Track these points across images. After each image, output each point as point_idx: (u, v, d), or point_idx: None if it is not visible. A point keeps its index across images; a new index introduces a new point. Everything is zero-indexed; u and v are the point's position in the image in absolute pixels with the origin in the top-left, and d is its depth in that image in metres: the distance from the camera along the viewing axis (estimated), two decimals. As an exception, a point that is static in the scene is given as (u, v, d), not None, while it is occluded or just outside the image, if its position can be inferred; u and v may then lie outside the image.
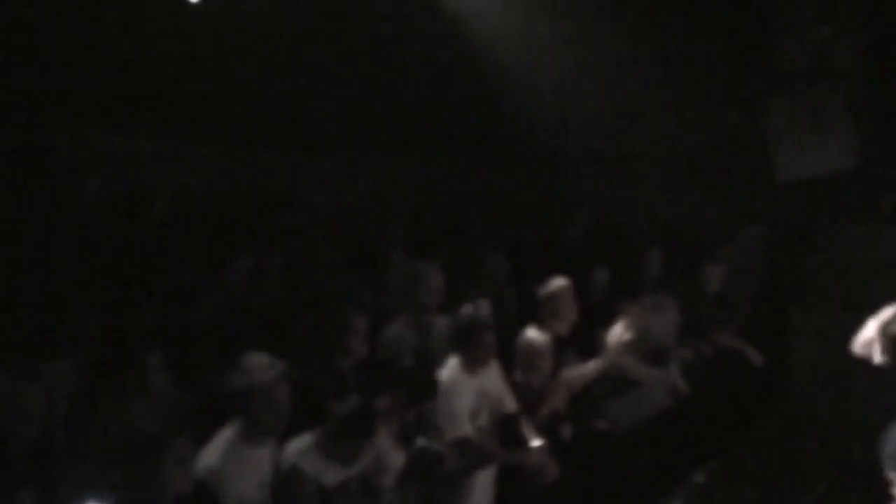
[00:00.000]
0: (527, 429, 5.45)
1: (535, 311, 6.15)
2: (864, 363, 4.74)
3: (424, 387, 4.94)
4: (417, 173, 10.39)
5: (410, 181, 10.33)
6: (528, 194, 10.11)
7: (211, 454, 4.01)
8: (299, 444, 4.32)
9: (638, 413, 6.45)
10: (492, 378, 5.40)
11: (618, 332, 6.26)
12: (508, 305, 6.91)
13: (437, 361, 5.43)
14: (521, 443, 5.40)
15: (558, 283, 6.18)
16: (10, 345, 5.10)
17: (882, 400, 7.03)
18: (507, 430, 5.47)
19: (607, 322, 6.41)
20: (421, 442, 4.95)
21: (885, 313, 4.23)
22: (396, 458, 4.82)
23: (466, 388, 5.17)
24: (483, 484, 5.30)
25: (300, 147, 9.15)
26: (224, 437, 4.09)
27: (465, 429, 5.10)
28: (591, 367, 6.07)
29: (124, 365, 4.95)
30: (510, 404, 5.50)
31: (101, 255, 6.52)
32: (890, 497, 2.98)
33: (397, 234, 8.35)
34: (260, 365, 4.09)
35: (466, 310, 5.84)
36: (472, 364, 5.22)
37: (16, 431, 4.11)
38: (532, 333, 5.69)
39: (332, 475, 4.31)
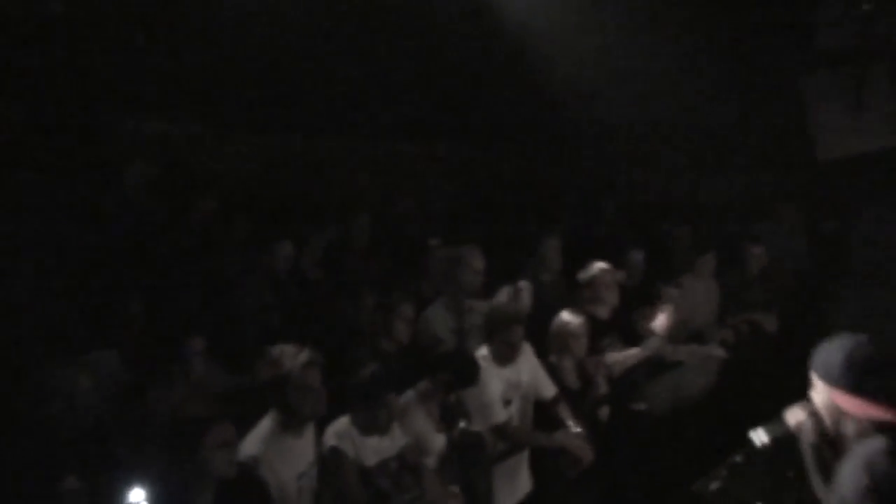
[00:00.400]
0: (565, 413, 5.46)
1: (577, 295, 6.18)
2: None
3: (467, 371, 4.96)
4: (457, 157, 10.42)
5: (450, 166, 10.37)
6: (565, 177, 10.12)
7: (251, 444, 4.08)
8: (337, 427, 4.40)
9: (676, 394, 6.45)
10: (525, 366, 5.40)
11: (662, 322, 6.27)
12: (560, 290, 6.93)
13: (475, 345, 5.49)
14: (560, 426, 5.41)
15: (599, 266, 6.19)
16: (57, 334, 5.21)
17: None
18: (545, 415, 5.49)
19: (646, 304, 6.40)
20: (463, 425, 5.01)
21: None
22: (437, 441, 4.90)
23: (496, 378, 5.19)
24: (519, 468, 5.34)
25: (340, 131, 9.20)
26: (263, 426, 4.16)
27: (499, 416, 5.14)
28: (634, 353, 6.07)
29: (168, 352, 5.04)
30: (548, 390, 5.51)
31: (143, 242, 6.62)
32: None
33: (438, 218, 8.41)
34: (288, 353, 4.15)
35: (501, 297, 5.87)
36: (501, 355, 5.23)
37: (64, 418, 4.21)
38: (566, 316, 5.69)
39: (370, 453, 4.41)
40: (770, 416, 6.26)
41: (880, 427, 2.85)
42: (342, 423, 4.42)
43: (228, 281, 6.26)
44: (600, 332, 5.94)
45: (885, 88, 7.31)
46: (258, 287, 6.23)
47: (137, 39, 7.69)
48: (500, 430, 5.12)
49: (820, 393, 3.02)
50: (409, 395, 4.94)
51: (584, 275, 6.22)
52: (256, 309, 6.00)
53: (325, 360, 4.27)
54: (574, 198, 9.64)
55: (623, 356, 6.03)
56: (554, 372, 5.58)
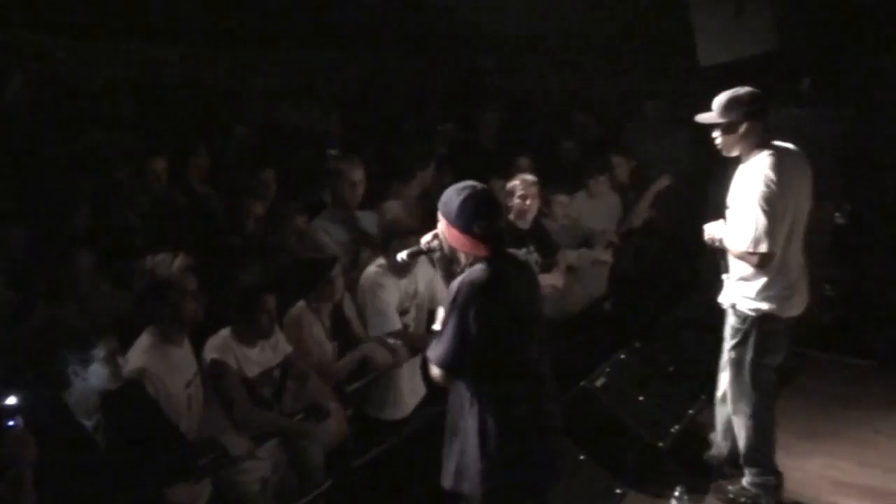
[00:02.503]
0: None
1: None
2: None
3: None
4: (350, 67, 10.31)
5: (343, 75, 10.26)
6: (451, 85, 10.11)
7: (135, 357, 4.07)
8: (216, 340, 4.41)
9: (570, 301, 6.63)
10: (420, 276, 5.40)
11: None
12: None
13: (365, 255, 5.52)
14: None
15: (522, 177, 6.25)
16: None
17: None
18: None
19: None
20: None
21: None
22: (326, 350, 4.97)
23: (392, 288, 5.19)
24: (412, 375, 5.42)
25: (225, 42, 8.96)
26: (143, 340, 4.14)
27: (394, 324, 5.18)
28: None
29: (55, 268, 4.91)
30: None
31: (26, 156, 6.42)
32: None
33: (333, 129, 8.34)
34: (162, 261, 4.14)
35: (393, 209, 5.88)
36: (397, 267, 5.14)
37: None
38: None
39: (253, 365, 4.45)
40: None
41: (482, 259, 3.49)
42: (221, 335, 4.42)
43: (111, 196, 6.11)
44: (519, 241, 5.96)
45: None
46: (141, 202, 6.11)
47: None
48: (396, 337, 5.18)
49: (442, 226, 3.60)
50: (301, 305, 4.98)
51: (508, 185, 6.28)
52: (139, 224, 5.88)
53: (210, 274, 4.26)
54: (460, 108, 9.65)
55: None
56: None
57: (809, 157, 4.89)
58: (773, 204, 4.56)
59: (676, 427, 5.62)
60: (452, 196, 3.53)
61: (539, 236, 6.36)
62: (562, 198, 6.78)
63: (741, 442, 5.11)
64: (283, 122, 8.73)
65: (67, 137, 7.03)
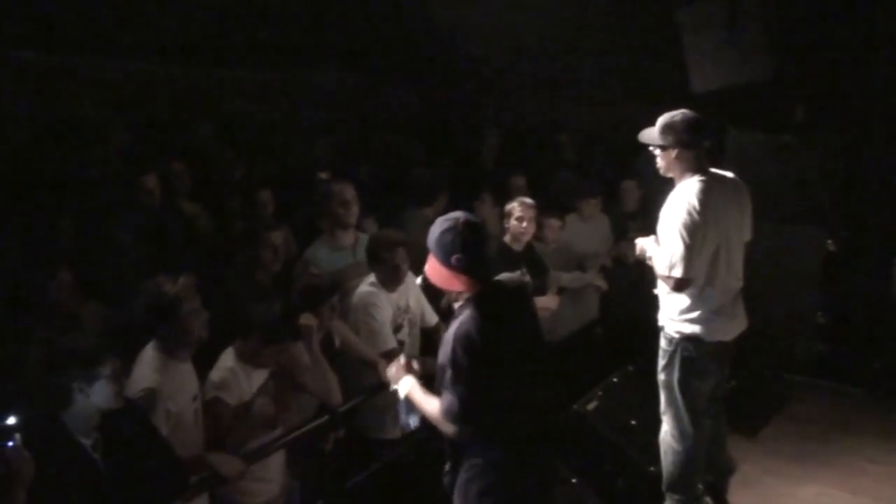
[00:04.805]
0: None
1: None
2: (769, 266, 4.97)
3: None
4: (344, 88, 10.33)
5: (337, 96, 10.27)
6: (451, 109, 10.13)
7: (145, 377, 4.01)
8: (218, 371, 4.35)
9: (561, 324, 6.61)
10: (411, 292, 5.42)
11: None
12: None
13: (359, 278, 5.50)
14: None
15: (519, 199, 6.26)
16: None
17: (786, 307, 7.30)
18: (428, 342, 5.55)
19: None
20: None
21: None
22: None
23: (385, 304, 5.19)
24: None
25: (210, 60, 8.95)
26: (150, 357, 4.08)
27: (389, 342, 5.17)
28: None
29: (35, 288, 4.87)
30: (432, 318, 5.57)
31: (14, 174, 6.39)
32: None
33: (324, 152, 8.34)
34: (166, 281, 4.10)
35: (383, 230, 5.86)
36: (387, 279, 5.20)
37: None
38: None
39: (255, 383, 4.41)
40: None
41: (468, 296, 3.54)
42: (225, 363, 4.37)
43: (99, 215, 6.08)
44: (512, 264, 5.94)
45: (758, 21, 7.45)
46: (129, 220, 6.03)
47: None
48: (392, 356, 5.15)
49: (430, 259, 3.63)
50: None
51: (507, 206, 6.29)
52: (129, 242, 5.83)
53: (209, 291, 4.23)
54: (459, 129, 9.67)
55: None
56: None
57: (802, 184, 4.87)
58: (693, 232, 4.54)
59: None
60: (435, 227, 3.58)
61: (531, 259, 6.36)
62: (553, 221, 6.77)
63: (666, 466, 5.04)
64: (272, 144, 8.71)
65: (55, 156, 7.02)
